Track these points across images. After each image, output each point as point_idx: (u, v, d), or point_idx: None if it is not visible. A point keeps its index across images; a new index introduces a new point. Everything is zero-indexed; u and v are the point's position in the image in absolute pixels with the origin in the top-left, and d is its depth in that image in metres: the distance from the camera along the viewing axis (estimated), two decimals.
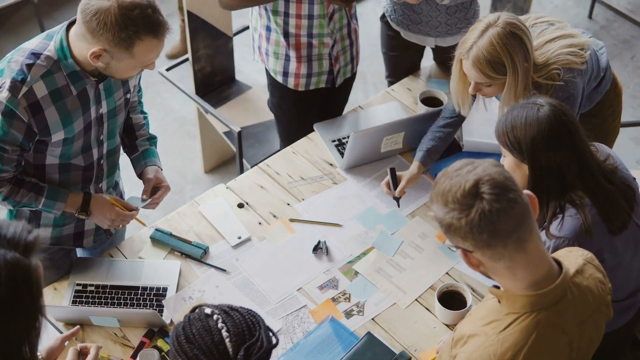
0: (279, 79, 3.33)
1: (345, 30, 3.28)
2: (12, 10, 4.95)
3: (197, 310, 1.88)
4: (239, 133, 3.66)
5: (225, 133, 3.97)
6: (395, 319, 2.71)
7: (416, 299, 2.77)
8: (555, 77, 2.68)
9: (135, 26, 2.24)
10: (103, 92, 2.51)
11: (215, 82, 4.11)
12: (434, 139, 3.03)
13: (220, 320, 1.82)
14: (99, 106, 2.51)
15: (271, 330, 1.88)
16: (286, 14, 3.14)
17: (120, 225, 2.74)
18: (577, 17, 5.54)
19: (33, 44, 2.40)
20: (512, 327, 1.85)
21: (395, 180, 2.95)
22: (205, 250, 2.87)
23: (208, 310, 1.85)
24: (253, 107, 4.10)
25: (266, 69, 3.42)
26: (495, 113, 2.95)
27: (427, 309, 2.74)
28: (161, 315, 2.66)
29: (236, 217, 3.00)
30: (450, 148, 3.18)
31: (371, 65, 4.94)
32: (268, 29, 3.22)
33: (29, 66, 2.33)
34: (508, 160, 2.40)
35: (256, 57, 3.42)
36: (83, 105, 2.46)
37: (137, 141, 2.83)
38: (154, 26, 2.28)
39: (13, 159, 2.43)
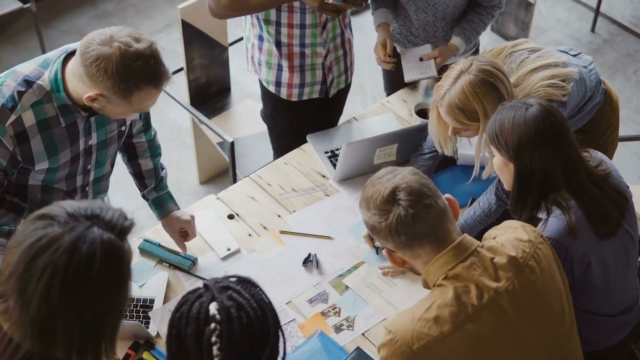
0: (272, 89, 3.29)
1: (339, 40, 3.24)
2: (10, 19, 4.94)
3: (202, 301, 1.68)
4: (232, 144, 3.62)
5: (219, 144, 3.94)
6: None
7: None
8: None
9: (136, 78, 2.17)
10: (94, 125, 2.45)
11: (211, 93, 4.08)
12: (419, 168, 2.98)
13: (216, 334, 1.64)
14: (88, 138, 2.46)
15: (283, 337, 1.75)
16: (278, 23, 3.10)
17: None
18: (579, 30, 5.50)
19: (28, 69, 2.32)
20: (430, 293, 2.03)
21: None
22: (194, 262, 2.83)
23: (213, 309, 1.65)
24: (248, 118, 4.07)
25: (259, 79, 3.38)
26: None
27: None
28: (147, 328, 2.61)
29: (226, 229, 2.96)
30: (444, 161, 3.14)
31: (371, 77, 4.91)
32: (260, 38, 3.18)
33: (20, 94, 2.27)
34: (496, 160, 2.40)
35: (249, 67, 3.38)
36: (70, 137, 2.40)
37: (145, 191, 2.83)
38: (155, 77, 2.22)
39: None
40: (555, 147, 2.28)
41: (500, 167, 2.41)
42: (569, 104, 2.74)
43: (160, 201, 2.84)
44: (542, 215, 2.38)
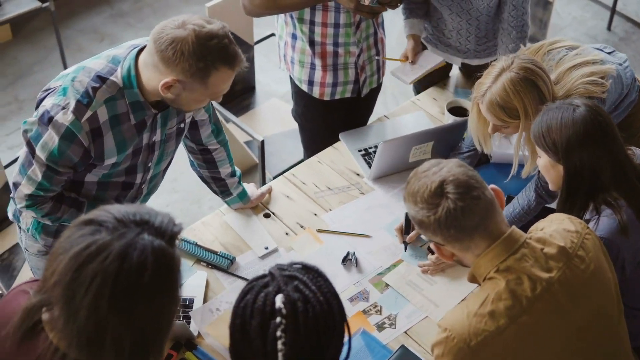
0: (304, 87, 3.29)
1: (372, 39, 3.24)
2: (27, 18, 4.91)
3: (267, 292, 1.63)
4: (262, 142, 3.60)
5: (246, 142, 3.93)
6: (428, 333, 2.65)
7: None
8: None
9: (213, 56, 2.17)
10: (159, 121, 2.45)
11: (236, 91, 4.07)
12: None
13: (281, 328, 1.59)
14: (152, 134, 2.46)
15: (349, 330, 1.70)
16: (312, 22, 3.09)
17: None
18: (595, 28, 5.51)
19: (99, 65, 2.31)
20: (481, 287, 2.02)
21: (409, 225, 2.89)
22: (232, 261, 2.82)
23: (279, 302, 1.60)
24: (274, 117, 4.06)
25: (291, 78, 3.37)
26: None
27: None
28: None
29: (263, 228, 2.95)
30: (478, 160, 3.14)
31: (390, 76, 4.88)
32: (294, 36, 3.18)
33: (95, 89, 2.26)
34: (543, 161, 2.41)
35: (282, 66, 3.37)
36: (138, 133, 2.40)
37: (230, 189, 2.93)
38: (230, 57, 2.22)
39: (62, 179, 2.39)
40: (604, 147, 2.29)
41: (546, 168, 2.42)
42: (608, 100, 2.75)
43: (244, 191, 2.96)
44: (588, 215, 2.39)
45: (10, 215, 2.68)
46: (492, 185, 2.03)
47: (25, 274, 3.27)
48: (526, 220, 2.85)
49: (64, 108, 2.24)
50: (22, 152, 2.39)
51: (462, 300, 2.13)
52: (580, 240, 2.05)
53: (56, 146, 2.27)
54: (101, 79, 2.28)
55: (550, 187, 2.47)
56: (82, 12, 5.50)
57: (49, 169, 2.32)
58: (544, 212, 2.91)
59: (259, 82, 4.31)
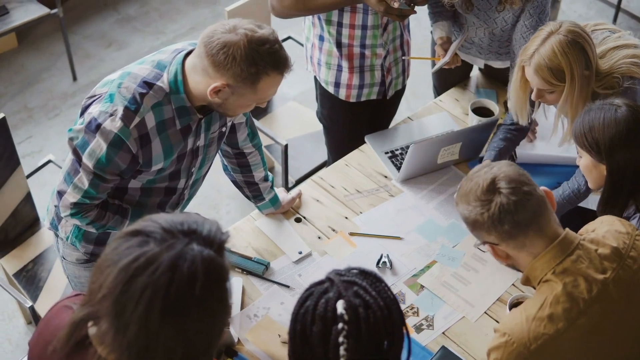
0: (331, 89, 3.28)
1: (398, 41, 3.24)
2: (35, 24, 4.88)
3: (328, 298, 1.63)
4: (286, 146, 3.60)
5: (267, 146, 3.92)
6: (466, 333, 2.66)
7: (485, 312, 2.72)
8: (615, 85, 2.67)
9: (264, 62, 2.17)
10: (203, 126, 2.44)
11: None
12: (504, 139, 3.05)
13: (343, 334, 1.60)
14: (197, 139, 2.45)
15: (408, 335, 1.70)
16: (340, 24, 3.09)
17: None
18: None
19: (144, 71, 2.30)
20: (540, 289, 2.03)
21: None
22: (267, 266, 2.81)
23: (340, 308, 1.61)
24: (292, 120, 4.05)
25: (316, 79, 3.37)
26: (549, 125, 2.94)
27: (497, 321, 2.68)
28: None
29: (295, 232, 2.94)
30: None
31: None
32: (321, 38, 3.17)
33: (142, 95, 2.25)
34: (584, 161, 2.42)
35: (309, 67, 3.37)
36: (184, 139, 2.39)
37: (263, 194, 2.93)
38: (280, 62, 2.22)
39: (109, 187, 2.37)
40: None
41: (588, 168, 2.43)
42: None
43: (276, 196, 2.95)
44: (626, 214, 2.40)
45: (46, 224, 2.66)
46: (543, 187, 2.06)
47: (52, 284, 3.26)
48: (576, 204, 2.88)
49: (111, 115, 2.23)
50: (67, 159, 2.37)
51: (518, 304, 2.14)
52: (631, 242, 2.07)
53: (104, 154, 2.25)
54: (148, 84, 2.27)
55: (591, 186, 2.48)
56: (88, 17, 5.47)
57: (96, 176, 2.31)
58: (581, 212, 2.95)
59: None
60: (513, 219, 1.94)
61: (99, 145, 2.25)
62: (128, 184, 2.46)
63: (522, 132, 3.05)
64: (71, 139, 2.31)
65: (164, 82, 2.28)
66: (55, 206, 2.44)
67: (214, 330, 1.55)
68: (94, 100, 2.29)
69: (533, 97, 2.72)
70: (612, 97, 2.55)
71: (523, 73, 2.71)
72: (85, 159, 2.28)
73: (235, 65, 2.15)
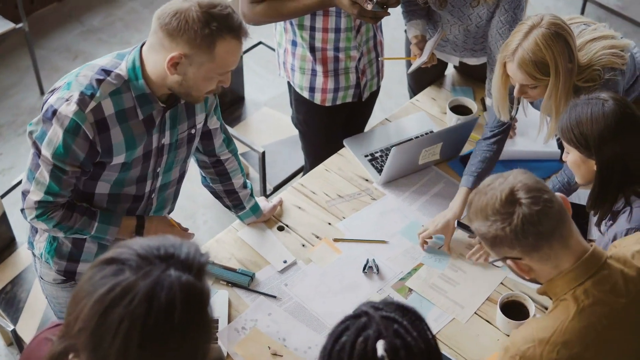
0: (306, 94, 3.24)
1: (372, 42, 3.21)
2: (0, 40, 4.79)
3: (366, 336, 1.51)
4: (263, 154, 3.55)
5: (242, 154, 3.87)
6: (457, 334, 2.63)
7: (475, 312, 2.70)
8: (596, 78, 2.65)
9: (217, 22, 2.15)
10: (168, 121, 2.40)
11: (225, 103, 4.00)
12: (483, 160, 2.94)
13: None
14: (161, 136, 2.41)
15: None
16: (312, 28, 3.05)
17: None
18: (570, 15, 5.54)
19: (103, 61, 2.30)
20: (555, 309, 1.94)
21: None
22: (252, 277, 2.77)
23: (380, 350, 1.47)
24: (267, 127, 4.00)
25: (290, 85, 3.33)
26: (528, 121, 2.93)
27: (488, 322, 2.67)
28: None
29: (278, 241, 2.90)
30: None
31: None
32: (294, 43, 3.13)
33: (99, 82, 2.23)
34: (572, 157, 2.39)
35: (282, 73, 3.33)
36: (147, 131, 2.35)
37: (243, 202, 2.89)
38: (234, 26, 2.20)
39: (71, 182, 2.32)
40: (636, 139, 2.28)
41: (577, 164, 2.40)
42: (626, 75, 2.76)
43: (257, 204, 2.92)
44: (616, 207, 2.38)
45: (26, 245, 2.61)
46: (559, 194, 1.96)
47: (33, 304, 3.18)
48: (567, 196, 2.84)
49: (67, 100, 2.21)
50: (29, 157, 2.34)
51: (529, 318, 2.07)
52: None
53: (61, 141, 2.22)
54: (105, 72, 2.26)
55: (580, 181, 2.46)
56: (53, 30, 5.38)
57: (56, 168, 2.27)
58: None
59: (247, 92, 4.25)
60: (537, 230, 1.83)
61: (55, 133, 2.22)
62: (95, 189, 2.41)
63: (501, 142, 2.98)
64: (30, 133, 2.28)
65: (122, 70, 2.27)
66: (22, 210, 2.39)
67: (196, 356, 1.48)
68: (54, 93, 2.28)
69: (515, 93, 2.67)
70: (596, 90, 2.53)
71: (504, 70, 2.67)
72: (44, 150, 2.25)
73: (188, 29, 2.14)
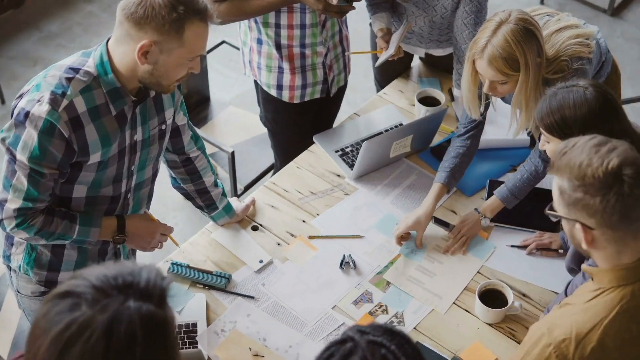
0: (273, 92, 3.22)
1: (337, 37, 3.20)
2: None
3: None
4: (232, 154, 3.52)
5: (211, 155, 3.84)
6: (437, 326, 2.64)
7: (454, 302, 2.70)
8: (564, 68, 2.66)
9: (184, 6, 2.13)
10: (139, 117, 2.37)
11: (191, 104, 3.97)
12: (457, 156, 2.93)
13: None
14: (134, 132, 2.38)
15: None
16: (278, 25, 3.03)
17: (159, 246, 2.61)
18: (530, 4, 5.58)
19: (69, 60, 2.26)
20: (597, 299, 1.86)
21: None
22: (229, 279, 2.74)
23: None
24: (234, 126, 3.98)
25: (257, 83, 3.31)
26: (497, 109, 2.93)
27: (467, 311, 2.67)
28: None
29: (253, 241, 2.88)
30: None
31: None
32: (259, 41, 3.11)
33: (69, 80, 2.20)
34: (553, 146, 2.36)
35: (247, 72, 3.30)
36: (120, 128, 2.32)
37: (215, 203, 2.86)
38: (200, 8, 2.17)
39: (49, 186, 2.27)
40: (619, 121, 2.27)
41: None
42: (593, 62, 2.77)
43: (229, 204, 2.90)
44: None
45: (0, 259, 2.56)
46: None
47: (6, 318, 3.13)
48: (534, 185, 2.87)
49: (38, 101, 2.17)
50: (4, 165, 2.30)
51: (565, 304, 1.97)
52: None
53: (36, 143, 2.18)
54: (73, 70, 2.23)
55: None
56: (10, 38, 5.29)
57: (33, 171, 2.23)
58: (537, 192, 2.94)
59: (212, 92, 4.22)
60: (627, 212, 1.74)
61: (30, 135, 2.18)
62: (72, 193, 2.37)
63: (475, 138, 2.97)
64: (3, 140, 2.24)
65: (90, 67, 2.25)
66: (0, 221, 2.34)
67: None
68: (22, 97, 2.24)
69: (485, 89, 2.66)
70: (570, 79, 2.53)
71: (474, 67, 2.66)
72: (19, 155, 2.21)
73: (155, 15, 2.12)
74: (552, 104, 2.30)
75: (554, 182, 1.84)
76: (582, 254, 1.96)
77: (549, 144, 2.37)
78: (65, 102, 2.18)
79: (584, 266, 1.95)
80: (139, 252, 2.84)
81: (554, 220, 1.99)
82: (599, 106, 2.25)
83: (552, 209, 1.90)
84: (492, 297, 2.65)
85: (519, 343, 2.56)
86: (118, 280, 1.38)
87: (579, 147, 1.80)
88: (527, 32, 2.53)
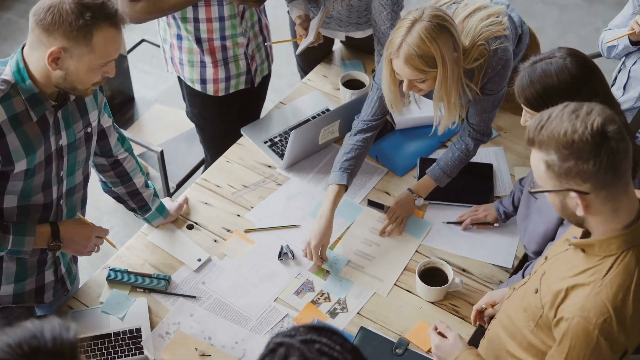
0: (197, 87, 3.19)
1: (257, 27, 3.18)
2: None
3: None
4: (162, 153, 3.48)
5: (139, 155, 3.79)
6: (380, 309, 2.66)
7: (395, 284, 2.72)
8: (484, 52, 2.65)
9: (92, 12, 2.11)
10: (62, 122, 2.32)
11: (115, 105, 3.91)
12: (358, 157, 2.89)
13: None
14: (58, 137, 2.33)
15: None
16: (196, 20, 3.00)
17: (96, 249, 2.57)
18: None
19: None
20: (614, 269, 1.85)
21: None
22: (168, 281, 2.72)
23: None
24: (162, 124, 3.94)
25: (180, 79, 3.27)
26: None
27: (409, 291, 2.70)
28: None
29: (189, 240, 2.85)
30: (384, 129, 3.16)
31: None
32: (179, 37, 3.07)
33: None
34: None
35: (169, 69, 3.26)
36: (43, 134, 2.27)
37: (147, 204, 2.83)
38: (110, 13, 2.15)
39: None
40: (600, 82, 2.26)
41: None
42: (510, 36, 2.79)
43: (162, 204, 2.88)
44: None
45: None
46: None
47: None
48: (467, 162, 2.90)
49: None
50: None
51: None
52: None
53: None
54: None
55: None
56: None
57: None
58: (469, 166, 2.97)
59: (135, 91, 4.16)
60: (618, 166, 1.74)
61: None
62: (2, 203, 2.32)
63: (373, 137, 2.95)
64: None
65: (7, 75, 2.21)
66: None
67: None
68: None
69: (404, 88, 2.65)
70: (496, 60, 2.51)
71: (391, 66, 2.64)
72: None
73: (63, 22, 2.10)
74: (533, 76, 2.24)
75: (535, 159, 1.82)
76: (575, 225, 1.92)
77: (530, 116, 2.32)
78: None
79: (575, 241, 1.92)
80: (80, 258, 2.79)
81: (531, 191, 1.97)
82: (583, 70, 2.22)
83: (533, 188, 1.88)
84: (432, 276, 2.68)
85: (462, 319, 2.61)
86: (24, 347, 1.32)
87: (557, 117, 1.78)
88: (441, 28, 2.52)
